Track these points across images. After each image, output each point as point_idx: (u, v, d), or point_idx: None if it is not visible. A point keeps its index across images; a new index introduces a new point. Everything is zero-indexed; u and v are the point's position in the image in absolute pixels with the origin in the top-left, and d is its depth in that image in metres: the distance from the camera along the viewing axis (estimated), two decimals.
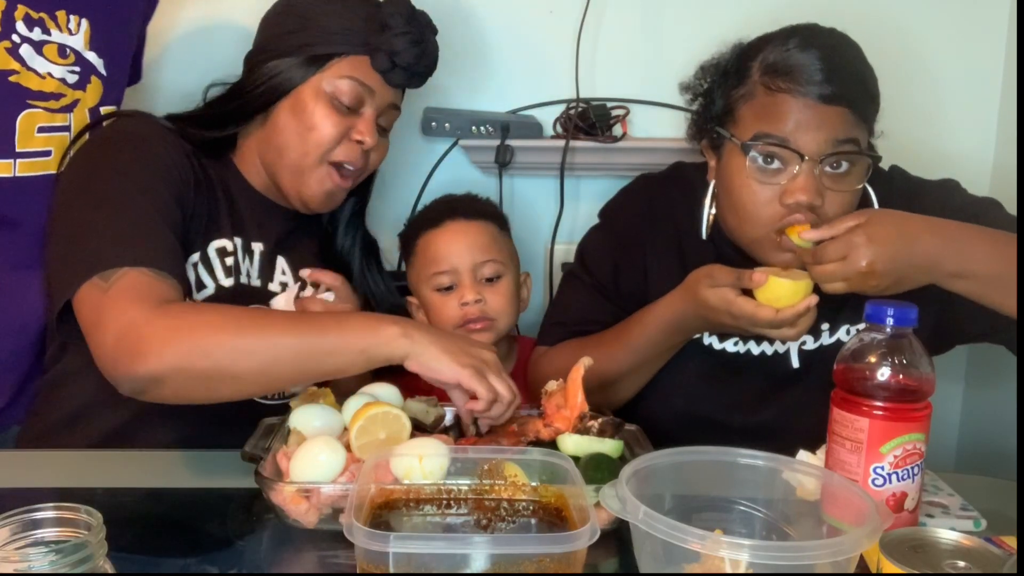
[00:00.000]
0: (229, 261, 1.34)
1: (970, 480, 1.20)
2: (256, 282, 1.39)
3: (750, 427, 1.37)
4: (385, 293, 1.57)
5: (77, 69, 1.39)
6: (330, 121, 1.34)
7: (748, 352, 1.37)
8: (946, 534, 0.88)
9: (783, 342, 1.36)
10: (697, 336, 1.37)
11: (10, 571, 0.71)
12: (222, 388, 1.14)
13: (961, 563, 0.84)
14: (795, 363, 1.37)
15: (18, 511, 0.77)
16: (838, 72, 1.20)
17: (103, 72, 1.43)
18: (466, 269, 1.55)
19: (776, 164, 1.23)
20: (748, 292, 1.19)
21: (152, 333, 1.11)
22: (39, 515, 0.77)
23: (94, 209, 1.22)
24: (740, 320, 1.19)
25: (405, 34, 1.34)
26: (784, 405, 1.37)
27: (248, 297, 1.35)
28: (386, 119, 1.42)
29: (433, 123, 1.82)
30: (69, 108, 1.38)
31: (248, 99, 1.38)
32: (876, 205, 1.29)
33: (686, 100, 1.40)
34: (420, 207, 1.75)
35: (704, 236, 1.36)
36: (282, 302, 1.41)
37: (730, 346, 1.38)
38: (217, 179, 1.38)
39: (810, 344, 1.37)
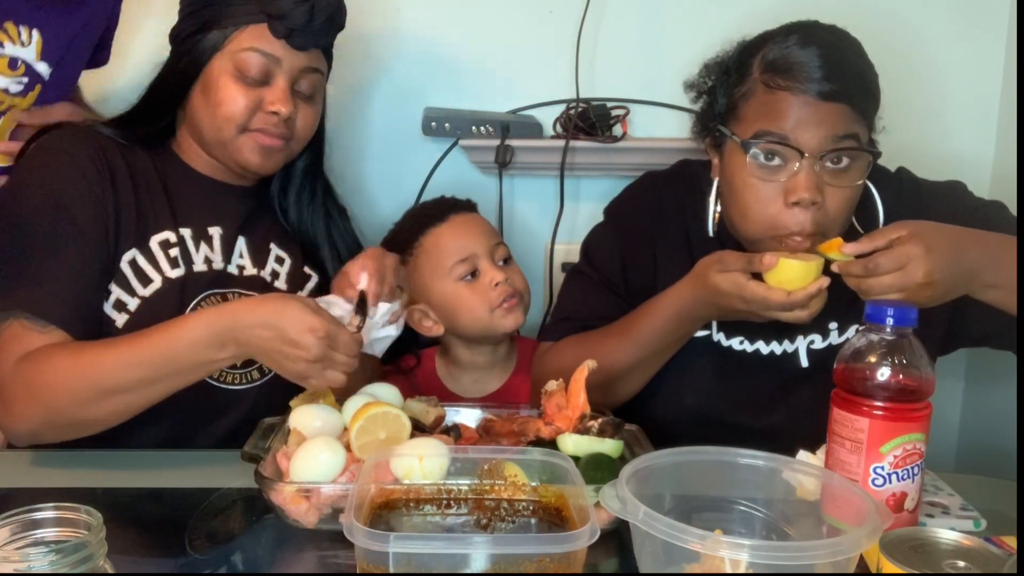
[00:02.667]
0: (173, 252, 1.34)
1: (970, 480, 1.20)
2: (218, 265, 1.38)
3: (759, 428, 1.37)
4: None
5: (24, 80, 1.41)
6: (237, 95, 1.32)
7: (757, 351, 1.37)
8: (946, 534, 0.88)
9: (791, 341, 1.37)
10: (706, 333, 1.37)
11: (10, 571, 0.71)
12: (94, 427, 1.21)
13: (961, 563, 0.84)
14: (804, 363, 1.37)
15: (18, 511, 0.77)
16: (837, 69, 1.21)
17: (46, 79, 1.45)
18: (484, 253, 1.57)
19: (777, 161, 1.23)
20: (758, 277, 1.19)
21: (14, 394, 1.19)
22: (39, 515, 0.77)
23: None
24: (752, 304, 1.18)
25: None
26: (793, 405, 1.37)
27: (201, 285, 1.35)
28: (307, 83, 1.36)
29: (433, 123, 1.82)
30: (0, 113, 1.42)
31: (166, 86, 1.38)
32: (879, 203, 1.30)
33: (690, 98, 1.40)
34: (407, 211, 1.70)
35: (711, 233, 1.37)
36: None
37: (738, 344, 1.38)
38: (157, 173, 1.37)
39: (819, 343, 1.37)
